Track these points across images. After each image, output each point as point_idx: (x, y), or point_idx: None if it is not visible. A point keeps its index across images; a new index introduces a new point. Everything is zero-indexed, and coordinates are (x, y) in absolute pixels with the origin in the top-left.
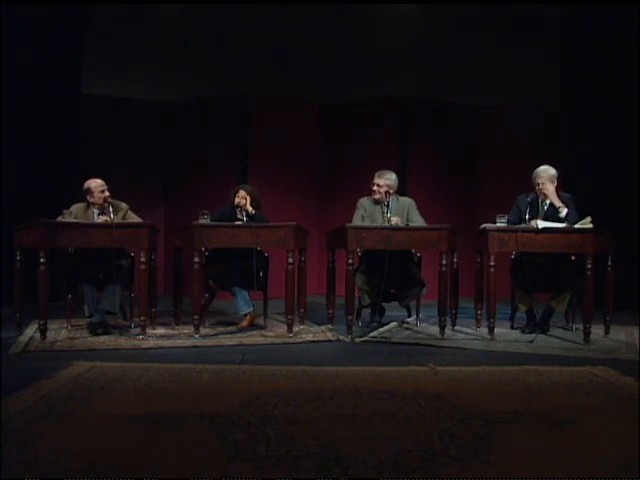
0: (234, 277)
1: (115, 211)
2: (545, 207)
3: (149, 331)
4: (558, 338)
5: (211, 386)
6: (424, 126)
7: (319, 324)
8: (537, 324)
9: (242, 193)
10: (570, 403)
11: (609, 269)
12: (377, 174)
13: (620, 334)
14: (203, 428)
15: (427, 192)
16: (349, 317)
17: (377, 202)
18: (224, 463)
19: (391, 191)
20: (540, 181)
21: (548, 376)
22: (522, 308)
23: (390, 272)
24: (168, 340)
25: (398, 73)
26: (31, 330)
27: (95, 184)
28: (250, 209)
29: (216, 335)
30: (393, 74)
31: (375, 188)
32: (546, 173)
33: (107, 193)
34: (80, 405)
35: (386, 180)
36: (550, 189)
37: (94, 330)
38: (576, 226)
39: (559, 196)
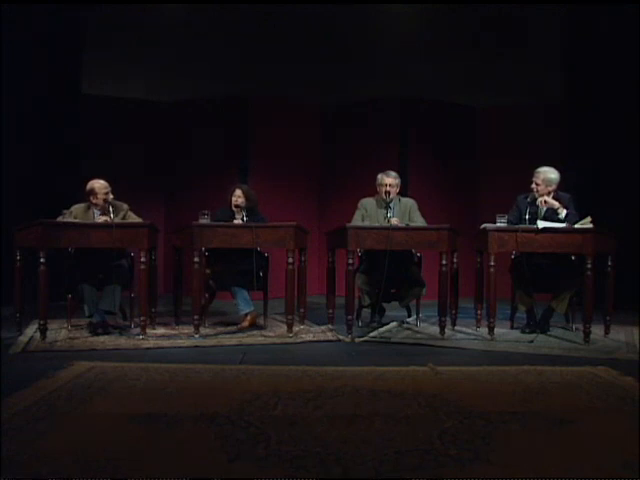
0: (234, 277)
1: (115, 211)
2: (545, 207)
3: (149, 331)
4: (558, 338)
5: (211, 386)
6: (424, 126)
7: (319, 324)
8: (537, 324)
9: (238, 192)
10: (570, 403)
11: (609, 269)
12: (383, 174)
13: (620, 334)
14: (203, 428)
15: (427, 192)
16: (349, 317)
17: (380, 203)
18: (224, 463)
19: (397, 190)
20: (536, 180)
21: (548, 376)
22: (522, 308)
23: (390, 272)
24: (168, 340)
25: (398, 73)
26: (31, 330)
27: (99, 185)
28: (245, 205)
29: (216, 335)
30: (393, 74)
31: (387, 189)
32: (545, 175)
33: (110, 195)
34: (80, 405)
35: (395, 179)
36: (542, 192)
37: (94, 330)
38: (576, 226)
39: (558, 196)
